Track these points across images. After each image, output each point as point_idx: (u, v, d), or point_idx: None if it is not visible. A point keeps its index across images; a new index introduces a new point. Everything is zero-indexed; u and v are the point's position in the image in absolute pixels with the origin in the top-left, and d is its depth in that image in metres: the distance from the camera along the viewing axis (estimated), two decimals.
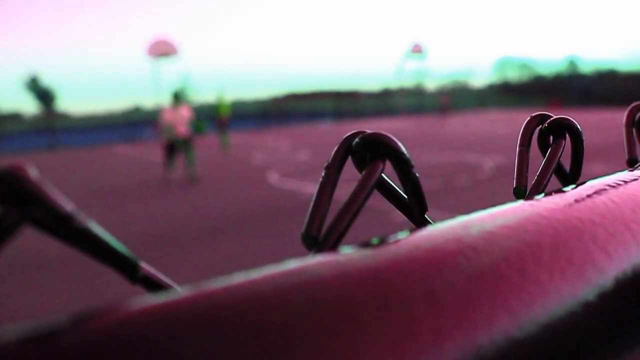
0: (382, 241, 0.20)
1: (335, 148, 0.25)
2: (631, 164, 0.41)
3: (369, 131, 0.24)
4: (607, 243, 0.22)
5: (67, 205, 0.20)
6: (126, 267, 0.21)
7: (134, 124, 26.64)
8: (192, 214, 7.19)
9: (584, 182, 0.31)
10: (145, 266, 0.22)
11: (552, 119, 0.33)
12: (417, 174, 0.25)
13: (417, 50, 29.58)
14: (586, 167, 8.92)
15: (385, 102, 35.23)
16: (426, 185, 8.21)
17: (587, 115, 24.18)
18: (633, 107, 0.44)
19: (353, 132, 0.24)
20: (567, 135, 0.34)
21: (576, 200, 0.25)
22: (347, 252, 0.18)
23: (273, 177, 10.05)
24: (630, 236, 0.23)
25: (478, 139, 15.81)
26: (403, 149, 0.24)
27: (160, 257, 5.25)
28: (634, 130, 0.43)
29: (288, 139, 19.45)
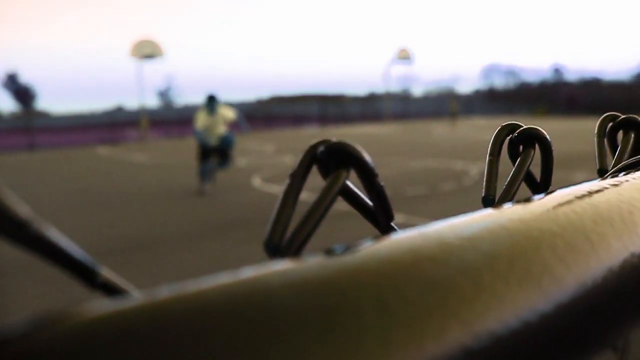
0: (343, 249, 0.20)
1: (301, 156, 0.25)
2: (601, 174, 0.42)
3: (334, 139, 0.24)
4: (565, 254, 0.23)
5: (23, 209, 0.20)
6: (85, 273, 0.21)
7: (117, 124, 26.41)
8: (174, 219, 7.15)
9: (552, 192, 0.32)
10: (105, 272, 0.22)
11: (521, 129, 0.33)
12: (381, 183, 0.25)
13: (403, 55, 29.74)
14: (570, 176, 9.01)
15: (371, 106, 35.34)
16: (412, 191, 8.24)
17: (572, 124, 24.44)
18: (604, 118, 0.45)
19: (318, 140, 0.25)
20: (536, 145, 0.35)
21: (538, 211, 0.25)
22: (303, 261, 0.18)
23: (258, 181, 10.04)
24: (589, 247, 0.24)
25: (464, 145, 15.92)
26: (367, 158, 0.24)
27: (141, 262, 5.21)
28: (605, 141, 0.44)
29: (273, 142, 19.43)
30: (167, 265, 5.05)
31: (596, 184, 0.32)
